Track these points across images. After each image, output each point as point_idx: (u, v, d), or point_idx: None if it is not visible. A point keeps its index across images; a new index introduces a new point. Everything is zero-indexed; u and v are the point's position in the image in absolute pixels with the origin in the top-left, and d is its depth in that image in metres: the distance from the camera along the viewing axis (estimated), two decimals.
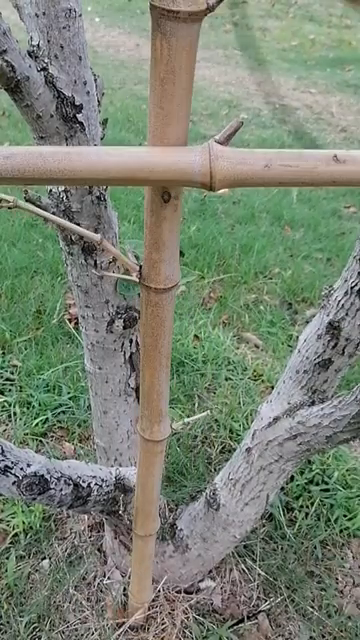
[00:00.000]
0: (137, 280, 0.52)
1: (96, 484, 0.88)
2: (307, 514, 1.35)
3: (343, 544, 1.32)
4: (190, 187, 0.41)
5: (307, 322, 1.67)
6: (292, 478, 1.41)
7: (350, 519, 1.35)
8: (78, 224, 0.79)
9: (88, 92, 0.71)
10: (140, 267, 0.52)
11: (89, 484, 0.87)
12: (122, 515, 0.97)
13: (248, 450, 0.96)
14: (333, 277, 2.28)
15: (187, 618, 1.12)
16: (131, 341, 0.96)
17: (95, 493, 0.88)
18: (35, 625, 1.11)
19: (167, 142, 0.39)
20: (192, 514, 1.09)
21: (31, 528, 1.27)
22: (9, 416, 1.54)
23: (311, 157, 0.39)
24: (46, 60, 0.67)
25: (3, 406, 1.56)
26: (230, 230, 2.66)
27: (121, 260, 0.56)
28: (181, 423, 0.79)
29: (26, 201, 0.75)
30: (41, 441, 1.49)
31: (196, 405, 1.63)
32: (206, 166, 0.39)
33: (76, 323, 1.87)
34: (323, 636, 1.14)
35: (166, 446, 1.33)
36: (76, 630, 1.11)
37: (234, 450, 1.06)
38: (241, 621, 1.15)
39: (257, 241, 2.53)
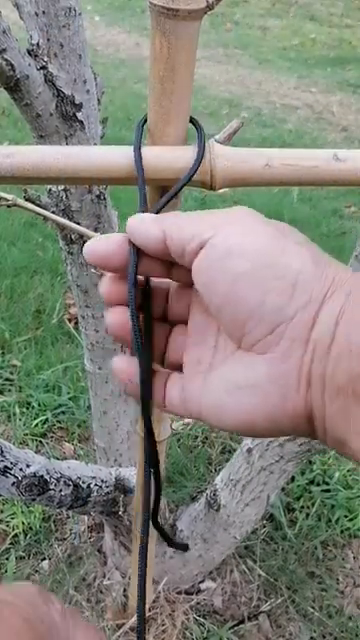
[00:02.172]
0: None
1: (96, 485, 0.88)
2: (308, 515, 1.35)
3: (344, 545, 1.32)
4: (190, 186, 0.40)
5: None
6: (293, 478, 1.40)
7: (351, 520, 1.35)
8: (78, 223, 0.79)
9: (88, 91, 0.71)
10: None
11: (89, 485, 0.87)
12: (122, 516, 0.96)
13: (249, 450, 0.96)
14: None
15: (187, 619, 1.12)
16: None
17: (95, 494, 0.88)
18: None
19: (167, 141, 0.39)
20: (192, 515, 1.09)
21: (31, 529, 1.27)
22: (9, 416, 1.53)
23: (312, 156, 0.39)
24: (46, 59, 0.66)
25: (3, 406, 1.56)
26: None
27: None
28: (181, 423, 0.79)
29: (26, 200, 0.74)
30: (41, 441, 1.48)
31: None
32: (206, 165, 0.38)
33: (76, 323, 1.87)
34: (324, 637, 1.14)
35: (166, 447, 1.32)
36: None
37: (234, 451, 1.06)
38: (242, 622, 1.14)
39: None
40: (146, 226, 0.30)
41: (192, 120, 0.40)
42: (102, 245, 0.31)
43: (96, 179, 0.39)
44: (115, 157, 0.38)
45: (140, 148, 0.38)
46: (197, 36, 0.36)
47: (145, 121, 0.40)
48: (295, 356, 0.25)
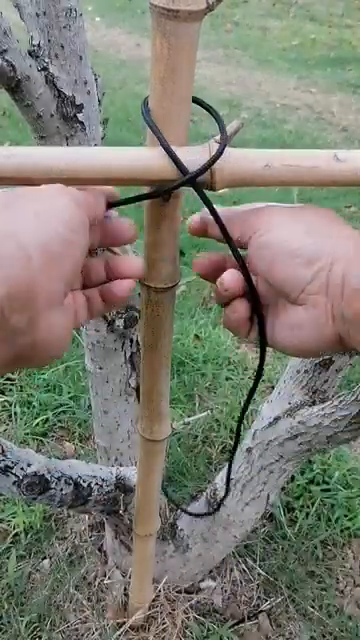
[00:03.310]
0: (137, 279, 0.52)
1: (96, 484, 0.88)
2: (308, 514, 1.35)
3: (344, 544, 1.32)
4: (190, 187, 0.41)
5: None
6: (293, 478, 1.40)
7: (351, 519, 1.35)
8: None
9: (89, 92, 0.71)
10: None
11: (89, 484, 0.87)
12: (122, 515, 0.97)
13: (249, 450, 0.96)
14: None
15: (187, 618, 1.12)
16: (132, 341, 0.96)
17: (95, 493, 0.88)
18: (36, 625, 1.11)
19: (167, 141, 0.39)
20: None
21: (32, 528, 1.27)
22: (9, 416, 1.54)
23: (311, 156, 0.39)
24: (46, 60, 0.67)
25: (4, 406, 1.56)
26: None
27: None
28: (181, 423, 0.79)
29: None
30: (41, 441, 1.49)
31: (197, 405, 1.63)
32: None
33: None
34: (324, 636, 1.14)
35: (167, 446, 1.32)
36: (76, 630, 1.11)
37: None
38: (242, 621, 1.15)
39: None
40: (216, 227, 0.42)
41: (209, 110, 0.41)
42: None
43: (97, 180, 0.39)
44: (116, 158, 0.39)
45: (170, 148, 0.38)
46: (197, 37, 0.36)
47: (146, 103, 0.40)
48: (321, 303, 0.37)
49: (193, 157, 0.39)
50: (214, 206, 0.41)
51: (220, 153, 0.38)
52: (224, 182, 0.39)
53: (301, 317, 0.38)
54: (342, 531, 1.33)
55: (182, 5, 0.34)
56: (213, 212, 0.41)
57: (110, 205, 0.42)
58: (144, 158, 0.39)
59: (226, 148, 0.39)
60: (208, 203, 0.41)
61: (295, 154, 0.39)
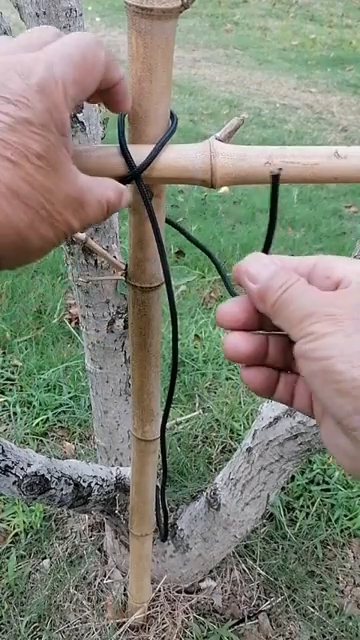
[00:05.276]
0: (123, 279, 0.52)
1: (97, 484, 0.88)
2: (308, 514, 1.35)
3: (344, 544, 1.32)
4: (191, 184, 0.40)
5: None
6: (293, 478, 1.40)
7: (351, 519, 1.35)
8: None
9: None
10: (126, 266, 0.51)
11: (90, 484, 0.87)
12: (119, 515, 0.96)
13: (249, 450, 0.96)
14: None
15: (188, 618, 1.12)
16: None
17: (96, 493, 0.88)
18: (36, 625, 1.11)
19: (146, 140, 0.39)
20: (193, 514, 1.09)
21: (32, 528, 1.27)
22: (9, 416, 1.54)
23: (312, 153, 0.39)
24: None
25: (4, 406, 1.56)
26: (231, 230, 2.65)
27: (107, 259, 0.55)
28: (173, 422, 0.79)
29: None
30: (42, 441, 1.49)
31: (197, 405, 1.63)
32: (207, 163, 0.38)
33: (76, 323, 1.87)
34: (324, 636, 1.14)
35: (167, 446, 1.31)
36: (76, 630, 1.11)
37: (235, 450, 1.06)
38: (242, 621, 1.15)
39: (258, 241, 2.53)
40: (261, 304, 0.33)
41: (171, 115, 0.40)
42: (232, 309, 0.35)
43: None
44: (115, 156, 0.38)
45: (124, 144, 0.38)
46: (173, 35, 0.36)
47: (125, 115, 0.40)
48: None
49: (194, 155, 0.39)
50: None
51: (158, 151, 0.38)
52: (225, 180, 0.39)
53: (343, 444, 0.31)
54: (342, 531, 1.33)
55: (156, 3, 0.33)
56: (150, 212, 0.40)
57: None
58: (105, 155, 0.38)
59: (226, 145, 0.39)
60: (148, 204, 0.40)
61: (296, 151, 0.39)
